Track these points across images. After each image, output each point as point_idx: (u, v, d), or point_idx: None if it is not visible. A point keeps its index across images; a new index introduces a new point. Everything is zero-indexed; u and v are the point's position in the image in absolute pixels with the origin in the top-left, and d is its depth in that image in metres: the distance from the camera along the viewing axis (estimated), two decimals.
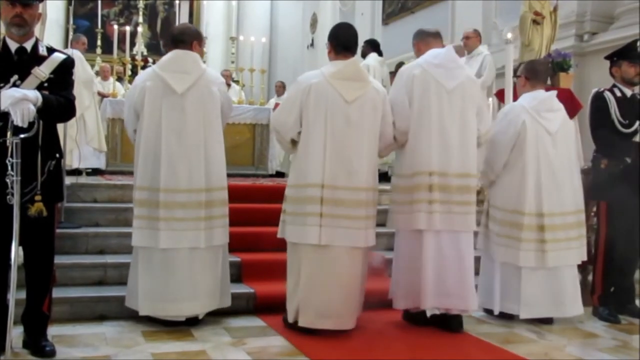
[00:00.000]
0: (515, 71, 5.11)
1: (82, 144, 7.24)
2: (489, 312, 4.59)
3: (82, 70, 7.44)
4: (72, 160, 6.91)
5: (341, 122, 3.94)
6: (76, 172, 6.14)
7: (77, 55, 7.37)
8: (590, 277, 4.98)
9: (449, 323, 4.17)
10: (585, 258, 4.62)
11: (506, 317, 4.48)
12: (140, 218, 3.98)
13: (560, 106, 4.63)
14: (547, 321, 4.46)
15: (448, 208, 4.10)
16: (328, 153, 3.90)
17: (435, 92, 4.14)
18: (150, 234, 3.93)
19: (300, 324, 3.95)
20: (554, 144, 4.47)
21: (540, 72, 4.70)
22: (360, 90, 4.00)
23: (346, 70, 4.02)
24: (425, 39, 4.42)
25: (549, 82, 6.87)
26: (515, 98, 4.89)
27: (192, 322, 4.03)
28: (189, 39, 4.14)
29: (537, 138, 4.43)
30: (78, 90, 7.16)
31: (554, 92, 4.65)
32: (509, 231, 4.41)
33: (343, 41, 4.12)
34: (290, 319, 4.01)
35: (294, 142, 4.06)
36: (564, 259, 4.43)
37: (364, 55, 8.39)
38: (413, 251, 4.17)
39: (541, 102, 4.52)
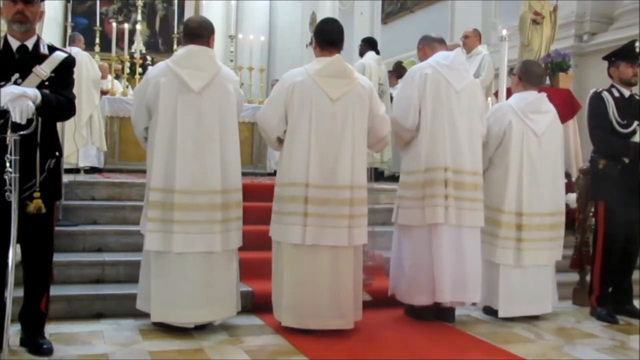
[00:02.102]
0: (513, 69, 5.14)
1: (88, 142, 7.27)
2: (487, 311, 4.60)
3: (92, 69, 7.43)
4: (77, 158, 6.95)
5: (326, 120, 3.92)
6: (74, 170, 6.13)
7: (85, 54, 7.42)
8: (588, 278, 4.98)
9: (445, 315, 4.31)
10: (559, 258, 4.69)
11: (492, 313, 4.53)
12: (153, 221, 3.79)
13: (550, 108, 4.66)
14: (535, 317, 4.55)
15: (461, 204, 4.20)
16: (313, 152, 3.88)
17: (446, 91, 4.25)
18: (164, 238, 3.77)
19: (284, 324, 3.94)
20: (539, 146, 4.53)
21: (533, 74, 4.74)
22: (346, 87, 3.98)
23: (331, 67, 3.99)
24: (431, 44, 4.52)
25: (547, 82, 6.90)
26: (509, 96, 4.92)
27: (201, 328, 3.93)
28: (207, 33, 3.99)
29: (523, 138, 4.49)
30: (88, 89, 7.23)
31: (543, 94, 4.69)
32: (490, 228, 4.47)
33: (328, 36, 4.09)
34: (277, 319, 4.02)
35: (281, 140, 4.04)
36: (538, 259, 4.51)
37: (361, 54, 8.36)
38: (425, 246, 4.23)
39: (529, 103, 4.57)
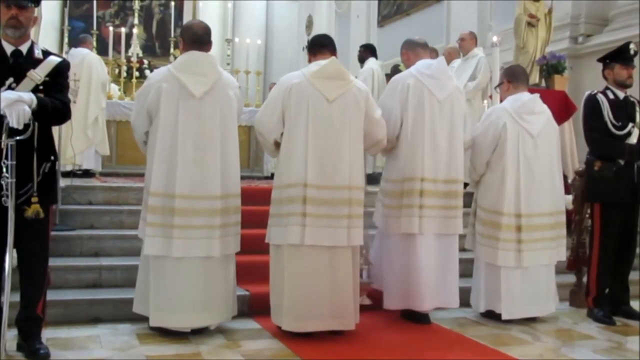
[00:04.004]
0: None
1: (93, 144, 7.32)
2: (486, 314, 4.60)
3: (102, 72, 7.45)
4: (82, 159, 6.99)
5: (323, 121, 3.93)
6: (70, 174, 6.13)
7: (95, 56, 7.48)
8: (584, 279, 4.99)
9: (420, 317, 4.34)
10: (562, 258, 4.71)
11: (494, 317, 4.51)
12: (153, 225, 3.79)
13: (544, 108, 4.68)
14: (532, 319, 4.55)
15: (437, 213, 4.27)
16: (310, 152, 3.89)
17: (428, 101, 4.30)
18: (164, 242, 3.78)
19: (284, 328, 3.93)
20: (535, 146, 4.54)
21: (519, 73, 4.79)
22: (342, 89, 4.00)
23: (327, 69, 4.01)
24: (414, 49, 4.57)
25: (543, 84, 6.93)
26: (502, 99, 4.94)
27: (198, 332, 3.93)
28: (210, 39, 4.04)
29: (518, 140, 4.51)
30: (97, 91, 7.28)
31: (536, 95, 4.71)
32: (490, 231, 4.49)
33: (318, 41, 4.20)
34: (276, 324, 4.01)
35: (278, 144, 4.05)
36: (538, 259, 4.52)
37: (361, 60, 8.38)
38: (404, 253, 4.30)
39: (523, 104, 4.58)
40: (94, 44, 8.56)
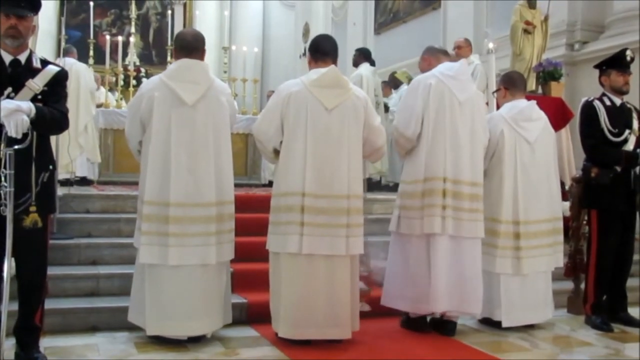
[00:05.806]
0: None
1: (84, 151, 7.36)
2: (483, 321, 4.60)
3: (90, 80, 7.53)
4: (74, 166, 7.01)
5: (321, 129, 3.94)
6: (67, 182, 6.13)
7: (82, 65, 7.56)
8: (582, 286, 4.99)
9: (445, 327, 4.28)
10: (560, 264, 4.71)
11: (491, 324, 4.50)
12: (148, 234, 3.80)
13: (541, 115, 4.69)
14: (530, 326, 4.54)
15: (459, 214, 4.20)
16: (309, 161, 3.89)
17: (449, 102, 4.28)
18: (160, 251, 3.78)
19: (281, 335, 3.93)
20: (532, 153, 4.55)
21: (516, 79, 4.80)
22: (341, 97, 4.00)
23: (326, 77, 4.01)
24: (436, 55, 4.57)
25: (540, 91, 6.95)
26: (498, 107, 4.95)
27: (195, 340, 3.92)
28: (202, 46, 4.03)
29: (516, 147, 4.52)
30: (86, 99, 7.35)
31: (533, 102, 4.72)
32: (488, 239, 4.45)
33: (321, 47, 4.16)
34: (275, 330, 4.01)
35: (277, 152, 4.05)
36: (536, 266, 4.52)
37: (355, 64, 8.38)
38: (423, 255, 4.23)
39: (520, 111, 4.59)
40: (91, 52, 8.59)
